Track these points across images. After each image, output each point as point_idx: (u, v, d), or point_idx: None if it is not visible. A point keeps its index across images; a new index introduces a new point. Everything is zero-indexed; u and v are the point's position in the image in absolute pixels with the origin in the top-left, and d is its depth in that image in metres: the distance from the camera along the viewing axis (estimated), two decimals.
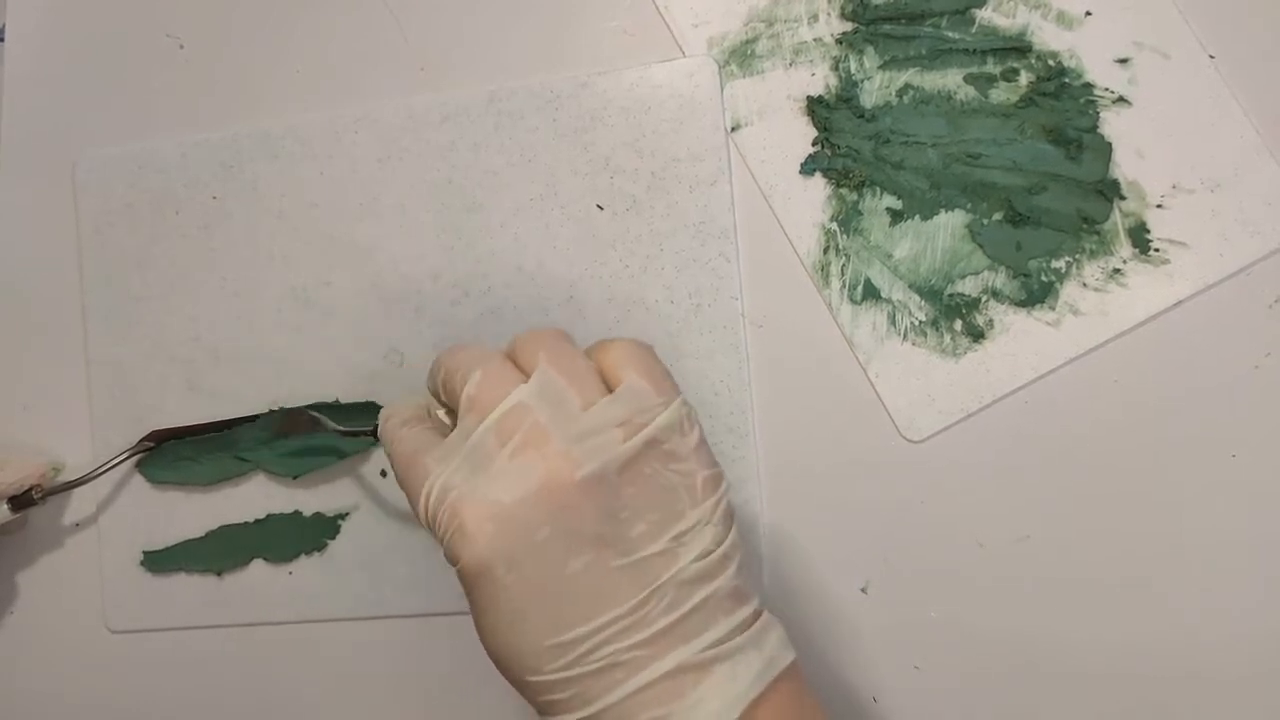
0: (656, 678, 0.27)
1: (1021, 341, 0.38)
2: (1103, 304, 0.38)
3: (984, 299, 0.39)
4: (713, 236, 0.40)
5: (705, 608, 0.28)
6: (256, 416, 0.43)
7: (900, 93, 0.40)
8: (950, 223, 0.39)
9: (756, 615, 0.29)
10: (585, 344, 0.32)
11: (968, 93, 0.39)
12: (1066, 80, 0.38)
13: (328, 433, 0.41)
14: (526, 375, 0.30)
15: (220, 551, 0.44)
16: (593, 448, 0.28)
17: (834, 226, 0.40)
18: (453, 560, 0.29)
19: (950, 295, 0.39)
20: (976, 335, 0.39)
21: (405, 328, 0.43)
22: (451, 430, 0.31)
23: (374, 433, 0.34)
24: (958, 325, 0.39)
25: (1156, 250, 0.38)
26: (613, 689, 0.27)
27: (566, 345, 0.31)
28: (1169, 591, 0.37)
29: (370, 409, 0.43)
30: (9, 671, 0.46)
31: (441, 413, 0.33)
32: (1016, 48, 0.39)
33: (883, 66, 0.40)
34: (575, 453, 0.28)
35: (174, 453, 0.44)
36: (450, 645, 0.42)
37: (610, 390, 0.30)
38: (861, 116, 0.40)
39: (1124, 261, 0.38)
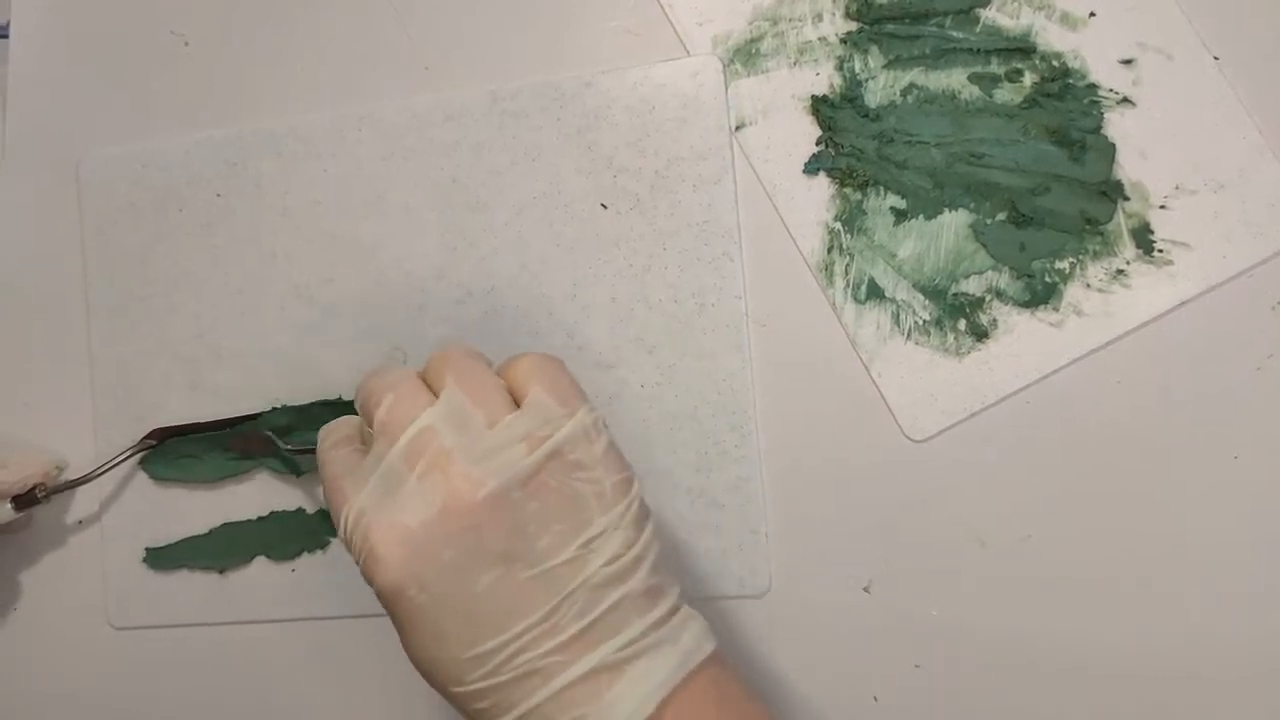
0: (572, 681, 0.28)
1: (1025, 342, 0.38)
2: (1106, 305, 0.38)
3: (988, 299, 0.39)
4: (716, 236, 0.40)
5: (618, 610, 0.29)
6: (259, 415, 0.43)
7: (904, 92, 0.40)
8: (954, 223, 0.39)
9: (674, 611, 0.30)
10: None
11: (972, 93, 0.39)
12: (1070, 81, 0.38)
13: (280, 456, 0.42)
14: (437, 396, 0.31)
15: (223, 549, 0.44)
16: (495, 466, 0.29)
17: (838, 226, 0.40)
18: (368, 582, 0.30)
19: (954, 295, 0.39)
20: (980, 335, 0.39)
21: (408, 326, 0.43)
22: None
23: None
24: (961, 325, 0.39)
25: (1160, 251, 0.38)
26: (531, 695, 0.28)
27: (475, 364, 0.32)
28: (1170, 592, 0.37)
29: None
30: (13, 668, 0.46)
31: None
32: (1021, 48, 0.39)
33: (887, 66, 0.40)
34: (477, 473, 0.29)
35: (177, 450, 0.44)
36: None
37: (518, 406, 0.30)
38: (866, 116, 0.40)
39: (1127, 262, 0.38)
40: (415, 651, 0.30)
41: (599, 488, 0.30)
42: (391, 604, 0.29)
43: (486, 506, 0.28)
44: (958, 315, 0.39)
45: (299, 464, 0.43)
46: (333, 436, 0.34)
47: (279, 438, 0.43)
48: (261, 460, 0.43)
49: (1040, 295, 0.38)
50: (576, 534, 0.29)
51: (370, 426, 0.32)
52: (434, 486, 0.29)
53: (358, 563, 0.30)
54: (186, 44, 0.46)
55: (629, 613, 0.29)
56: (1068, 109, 0.38)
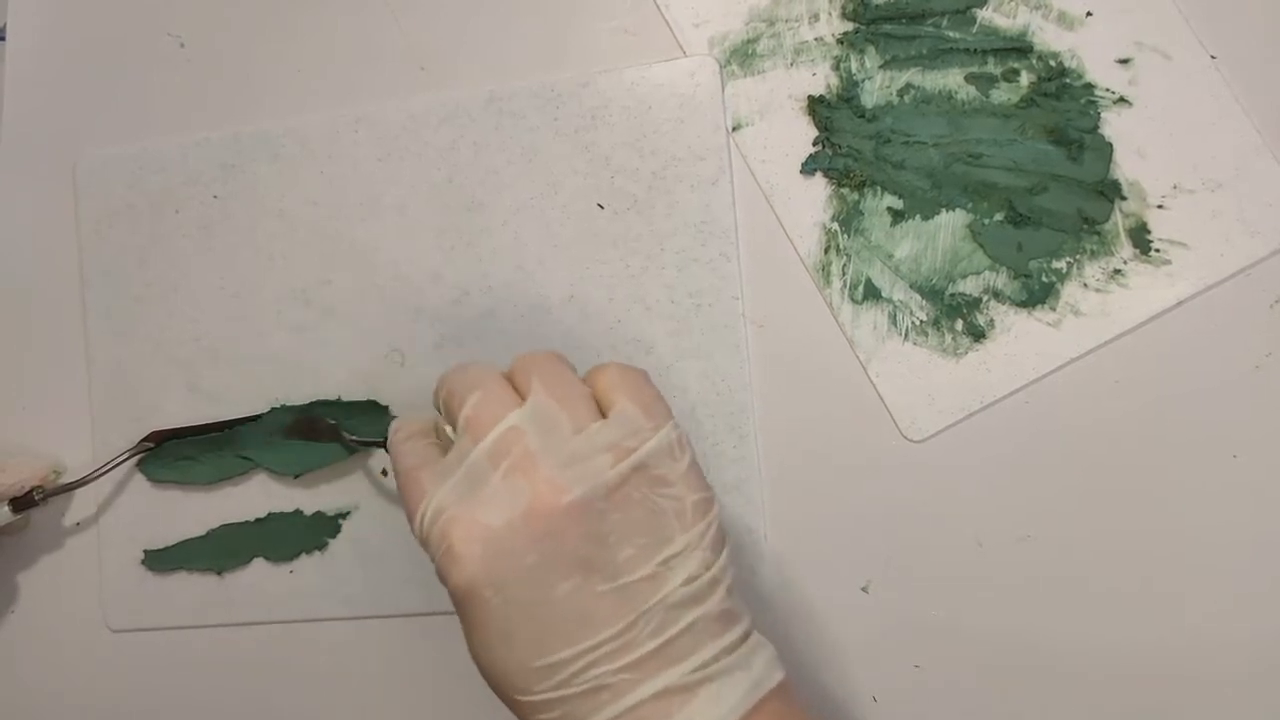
0: (642, 700, 0.27)
1: (1022, 341, 0.38)
2: (1103, 304, 0.38)
3: (985, 299, 0.39)
4: (714, 236, 0.40)
5: (692, 631, 0.28)
6: (258, 416, 0.43)
7: (901, 92, 0.40)
8: (951, 223, 0.39)
9: (745, 637, 0.30)
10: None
11: (969, 93, 0.39)
12: (1067, 80, 0.38)
13: (342, 442, 0.41)
14: (523, 398, 0.30)
15: (221, 551, 0.44)
16: (581, 473, 0.28)
17: (835, 226, 0.40)
18: (443, 580, 0.29)
19: (951, 295, 0.39)
20: (977, 335, 0.39)
21: (406, 327, 0.43)
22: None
23: (385, 443, 0.35)
24: (959, 325, 0.39)
25: (1157, 251, 0.38)
26: (599, 710, 0.28)
27: (562, 369, 0.31)
28: (1169, 591, 0.37)
29: (371, 408, 0.43)
30: (10, 671, 0.46)
31: (449, 428, 0.33)
32: (1017, 48, 0.39)
33: (884, 66, 0.40)
34: (563, 478, 0.28)
35: (174, 452, 0.44)
36: (451, 645, 0.42)
37: (604, 415, 0.30)
38: (862, 116, 0.40)
39: (1125, 262, 0.38)
40: (483, 655, 0.29)
41: (680, 505, 0.29)
42: (464, 604, 0.29)
43: (571, 513, 0.28)
44: (955, 315, 0.39)
45: (337, 450, 0.42)
46: (407, 429, 0.33)
47: (283, 437, 0.43)
48: (260, 462, 0.43)
49: (1038, 295, 0.38)
50: (657, 550, 0.29)
51: (451, 423, 0.31)
52: (519, 488, 0.28)
53: (433, 560, 0.30)
54: (183, 46, 0.46)
55: (703, 635, 0.28)
56: (1065, 109, 0.38)
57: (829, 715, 0.39)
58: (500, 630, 0.28)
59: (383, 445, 0.35)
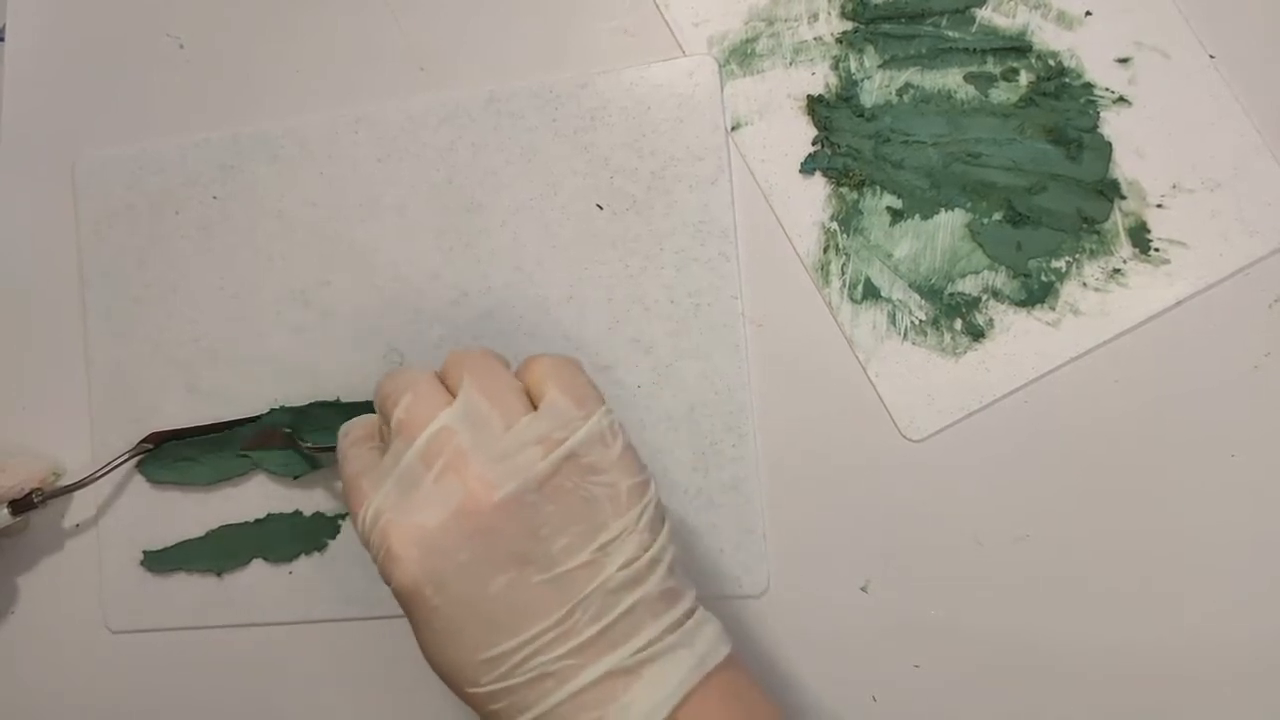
0: (586, 685, 0.28)
1: (1021, 341, 0.38)
2: (1103, 304, 0.38)
3: (984, 298, 0.39)
4: (713, 236, 0.40)
5: (633, 613, 0.29)
6: (257, 417, 0.43)
7: (900, 92, 0.40)
8: (950, 222, 0.39)
9: (689, 614, 0.30)
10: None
11: (968, 92, 0.39)
12: (1066, 80, 0.38)
13: (299, 450, 0.42)
14: (454, 396, 0.31)
15: (220, 551, 0.44)
16: (511, 468, 0.29)
17: (834, 226, 0.40)
18: (386, 581, 0.30)
19: (950, 295, 0.39)
20: (976, 335, 0.39)
21: (405, 328, 0.43)
22: None
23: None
24: (958, 325, 0.39)
25: (1156, 250, 0.38)
26: (545, 697, 0.28)
27: (493, 365, 0.32)
28: (1168, 591, 0.37)
29: (370, 408, 0.42)
30: (10, 672, 0.46)
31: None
32: (1017, 47, 0.39)
33: (883, 66, 0.40)
34: (493, 475, 0.29)
35: (174, 453, 0.44)
36: None
37: (536, 408, 0.30)
38: (862, 116, 0.40)
39: (1124, 261, 0.38)
40: (431, 652, 0.30)
41: (614, 491, 0.30)
42: (408, 604, 0.29)
43: (502, 509, 0.28)
44: (954, 315, 0.39)
45: (318, 460, 0.43)
46: (353, 434, 0.34)
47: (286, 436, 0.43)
48: (260, 462, 0.43)
49: (1037, 295, 0.38)
50: (592, 537, 0.29)
51: (388, 425, 0.32)
52: (450, 488, 0.29)
53: (375, 562, 0.30)
54: (182, 47, 0.46)
55: (644, 616, 0.29)
56: (1064, 108, 0.38)
57: (828, 715, 0.39)
58: (444, 627, 0.29)
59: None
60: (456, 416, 0.30)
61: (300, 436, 0.42)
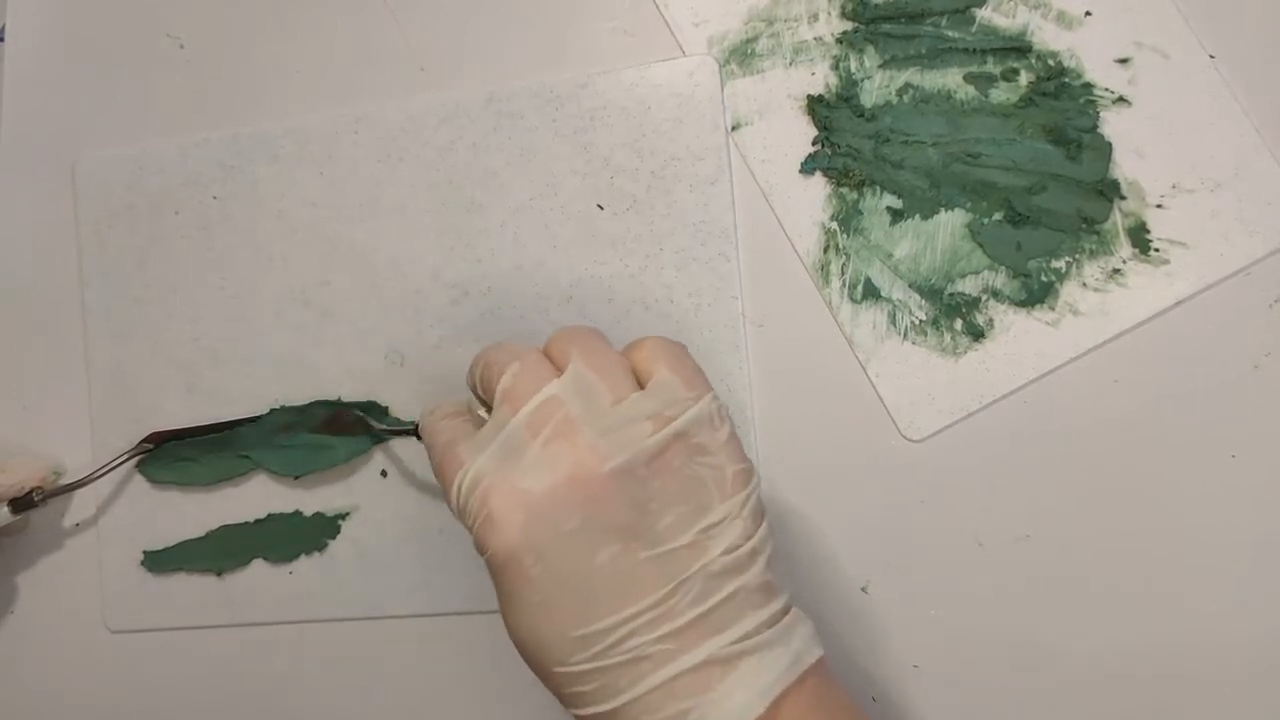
0: (683, 670, 0.27)
1: (1021, 341, 0.38)
2: (1103, 304, 0.38)
3: (984, 298, 0.39)
4: (713, 236, 0.40)
5: (733, 601, 0.28)
6: (258, 417, 0.43)
7: (900, 92, 0.40)
8: (950, 222, 0.39)
9: (785, 611, 0.29)
10: (617, 344, 0.32)
11: (968, 92, 0.39)
12: (1066, 80, 0.38)
13: (374, 432, 0.42)
14: (561, 371, 0.30)
15: (220, 551, 0.44)
16: (621, 440, 0.28)
17: (834, 225, 0.40)
18: (481, 549, 0.29)
19: (950, 295, 0.39)
20: (977, 335, 0.39)
21: (405, 328, 0.43)
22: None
23: (416, 430, 0.34)
24: (958, 325, 0.39)
25: (1156, 250, 0.38)
26: (639, 681, 0.27)
27: (600, 342, 0.31)
28: (1168, 592, 0.37)
29: (371, 408, 0.43)
30: (9, 671, 0.46)
31: (481, 410, 0.33)
32: (1016, 47, 0.39)
33: (883, 66, 0.40)
34: (604, 445, 0.28)
35: (174, 453, 0.44)
36: (451, 646, 0.42)
37: (642, 387, 0.30)
38: (862, 116, 0.40)
39: (1124, 261, 0.38)
40: (519, 625, 0.29)
41: (720, 474, 0.29)
42: (503, 572, 0.28)
43: (612, 480, 0.28)
44: (954, 315, 0.39)
45: (336, 451, 0.42)
46: (441, 410, 0.33)
47: (284, 435, 0.43)
48: (260, 462, 0.43)
49: (1037, 295, 0.38)
50: (697, 518, 0.28)
51: (488, 395, 0.31)
52: (559, 455, 0.28)
53: (470, 528, 0.29)
54: (182, 46, 0.46)
55: (744, 606, 0.28)
56: (1064, 108, 0.38)
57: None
58: (538, 600, 0.28)
59: (412, 433, 0.35)
60: (565, 387, 0.29)
61: (374, 418, 0.42)
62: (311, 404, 0.43)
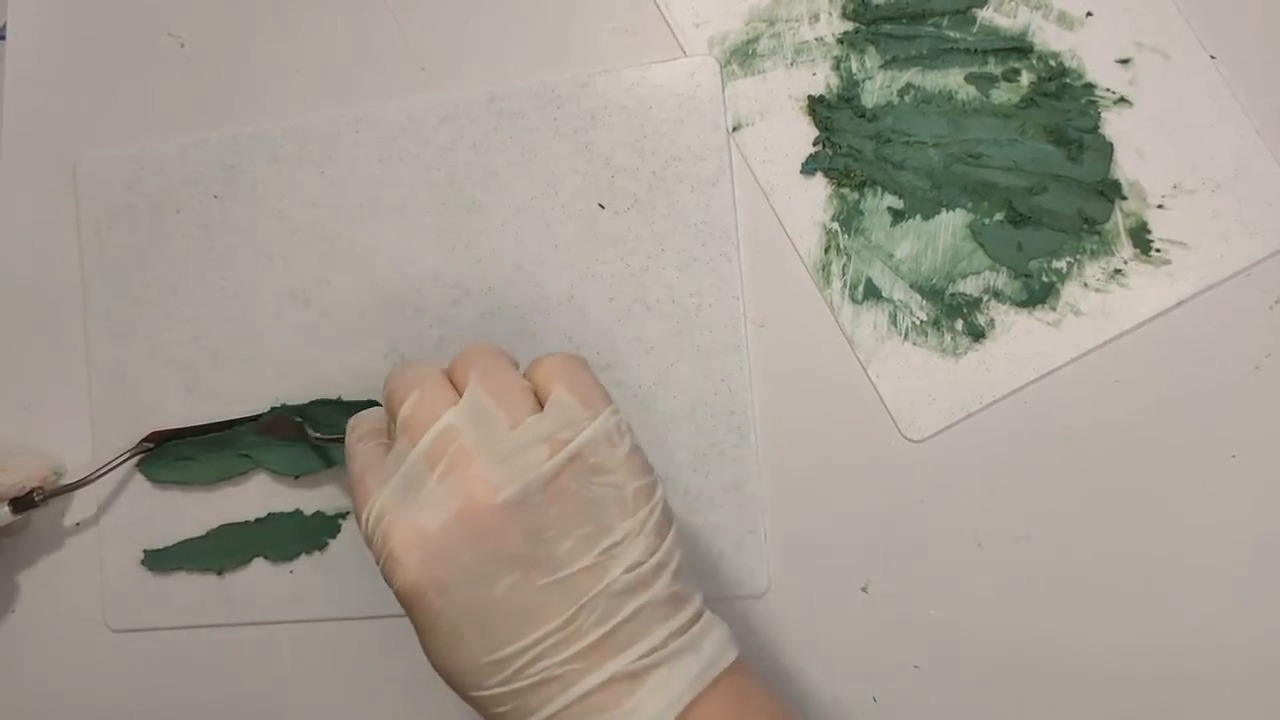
0: (591, 689, 0.28)
1: (1022, 341, 0.38)
2: (1104, 304, 0.38)
3: (985, 299, 0.39)
4: (714, 236, 0.40)
5: (639, 617, 0.28)
6: (257, 417, 0.43)
7: (901, 92, 0.40)
8: (951, 222, 0.39)
9: (696, 618, 0.30)
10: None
11: (969, 93, 0.39)
12: (1067, 80, 0.38)
13: (308, 440, 0.42)
14: (461, 394, 0.30)
15: (221, 550, 0.44)
16: (515, 469, 0.28)
17: (835, 226, 0.40)
18: (388, 584, 0.30)
19: (951, 295, 0.39)
20: (977, 335, 0.39)
21: (405, 328, 0.43)
22: None
23: None
24: (959, 325, 0.39)
25: (1157, 250, 0.38)
26: (549, 701, 0.28)
27: (499, 363, 0.31)
28: (1168, 592, 0.37)
29: (373, 406, 0.43)
30: (10, 671, 0.46)
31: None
32: (1018, 48, 0.39)
33: (884, 66, 0.40)
34: (496, 476, 0.28)
35: (174, 452, 0.44)
36: None
37: (543, 406, 0.30)
38: (863, 116, 0.40)
39: (1125, 262, 0.38)
40: (434, 655, 0.30)
41: (621, 493, 0.29)
42: (410, 607, 0.29)
43: (505, 511, 0.28)
44: (955, 315, 0.39)
45: (327, 453, 0.42)
46: (361, 428, 0.34)
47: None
48: (261, 462, 0.43)
49: (1038, 295, 0.38)
50: (598, 540, 0.29)
51: (393, 424, 0.31)
52: (453, 489, 0.28)
53: (378, 563, 0.30)
54: (183, 46, 0.46)
55: (650, 620, 0.29)
56: (1065, 108, 0.38)
57: (828, 715, 0.39)
58: (447, 630, 0.29)
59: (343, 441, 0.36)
60: (462, 415, 0.30)
61: (310, 428, 0.42)
62: (311, 403, 0.43)
